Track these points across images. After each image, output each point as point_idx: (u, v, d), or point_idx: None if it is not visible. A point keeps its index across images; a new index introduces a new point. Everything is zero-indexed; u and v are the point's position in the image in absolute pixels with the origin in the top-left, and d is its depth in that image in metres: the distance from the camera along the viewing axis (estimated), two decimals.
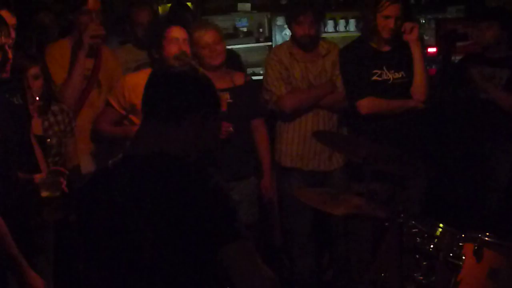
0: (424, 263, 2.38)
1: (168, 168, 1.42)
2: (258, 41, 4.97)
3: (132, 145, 1.58)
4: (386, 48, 2.99)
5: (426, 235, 2.40)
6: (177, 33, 2.78)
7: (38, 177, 2.32)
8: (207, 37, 2.88)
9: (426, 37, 4.51)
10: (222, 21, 4.55)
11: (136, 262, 1.41)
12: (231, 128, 2.74)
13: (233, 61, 3.39)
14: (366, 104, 2.97)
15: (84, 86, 3.20)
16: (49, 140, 2.67)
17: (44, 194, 2.35)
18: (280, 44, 3.61)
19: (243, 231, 1.42)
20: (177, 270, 1.38)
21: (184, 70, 1.58)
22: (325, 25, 3.98)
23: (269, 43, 4.82)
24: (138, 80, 2.65)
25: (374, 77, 2.99)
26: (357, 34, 3.52)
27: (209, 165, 1.53)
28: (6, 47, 2.08)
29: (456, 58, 3.78)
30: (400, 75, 2.99)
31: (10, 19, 2.36)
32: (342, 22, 4.80)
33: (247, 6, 4.69)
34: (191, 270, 1.39)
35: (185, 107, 1.43)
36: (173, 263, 1.38)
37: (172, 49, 2.76)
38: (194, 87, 1.47)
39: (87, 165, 3.06)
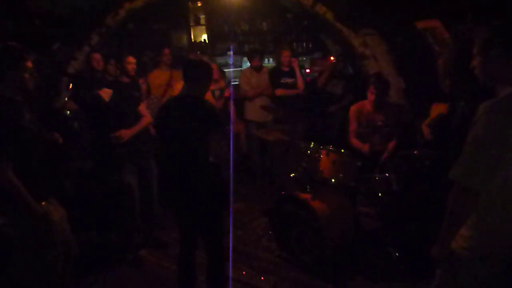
0: (306, 158, 3.82)
1: (191, 101, 2.76)
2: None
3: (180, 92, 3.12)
4: (286, 69, 5.54)
5: (305, 147, 3.90)
6: None
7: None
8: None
9: (306, 65, 7.11)
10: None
11: (177, 136, 2.74)
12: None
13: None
14: (278, 92, 5.47)
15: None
16: None
17: None
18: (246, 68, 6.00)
19: (223, 124, 2.77)
20: (193, 141, 2.69)
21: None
22: (263, 60, 6.63)
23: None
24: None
25: (282, 81, 5.56)
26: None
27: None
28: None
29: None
30: (292, 80, 5.53)
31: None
32: (269, 59, 7.51)
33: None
34: (198, 142, 2.69)
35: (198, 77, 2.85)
36: (191, 138, 2.68)
37: None
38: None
39: None
